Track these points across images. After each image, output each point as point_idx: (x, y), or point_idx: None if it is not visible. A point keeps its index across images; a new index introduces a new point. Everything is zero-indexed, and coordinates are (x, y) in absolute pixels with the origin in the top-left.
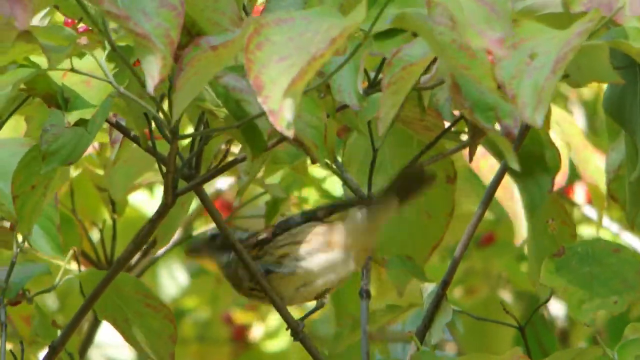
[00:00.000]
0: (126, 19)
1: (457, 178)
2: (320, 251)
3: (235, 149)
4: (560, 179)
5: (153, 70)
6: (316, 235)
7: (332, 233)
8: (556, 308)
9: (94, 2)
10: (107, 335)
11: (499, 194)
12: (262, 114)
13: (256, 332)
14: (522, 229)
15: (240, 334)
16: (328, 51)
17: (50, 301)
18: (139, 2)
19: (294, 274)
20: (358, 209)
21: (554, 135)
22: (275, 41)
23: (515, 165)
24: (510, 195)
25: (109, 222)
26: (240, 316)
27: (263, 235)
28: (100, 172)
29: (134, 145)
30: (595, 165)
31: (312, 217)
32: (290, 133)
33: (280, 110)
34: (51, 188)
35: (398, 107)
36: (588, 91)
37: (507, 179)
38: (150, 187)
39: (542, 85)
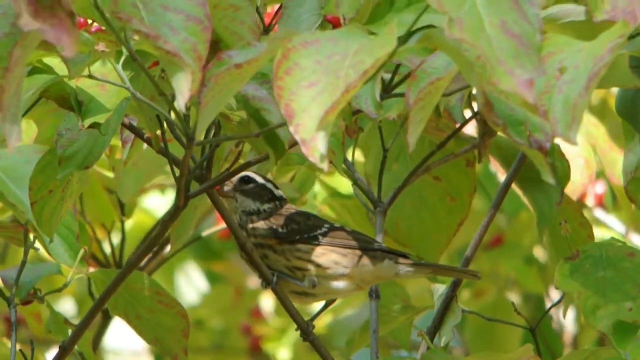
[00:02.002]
0: (155, 38)
1: (476, 162)
2: (338, 279)
3: (246, 149)
4: (587, 180)
5: (183, 87)
6: (337, 265)
7: (355, 268)
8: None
9: (123, 22)
10: (117, 338)
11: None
12: (283, 124)
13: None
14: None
15: (257, 345)
16: (360, 82)
17: (67, 306)
18: (165, 16)
19: (309, 289)
20: (394, 262)
21: (580, 142)
22: (303, 66)
23: (549, 179)
24: None
25: (118, 224)
26: (259, 327)
27: (284, 230)
28: (110, 174)
29: (144, 148)
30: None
31: (339, 227)
32: (324, 166)
33: (313, 140)
34: (69, 193)
35: (425, 121)
36: (594, 97)
37: None
38: (162, 189)
39: (575, 102)
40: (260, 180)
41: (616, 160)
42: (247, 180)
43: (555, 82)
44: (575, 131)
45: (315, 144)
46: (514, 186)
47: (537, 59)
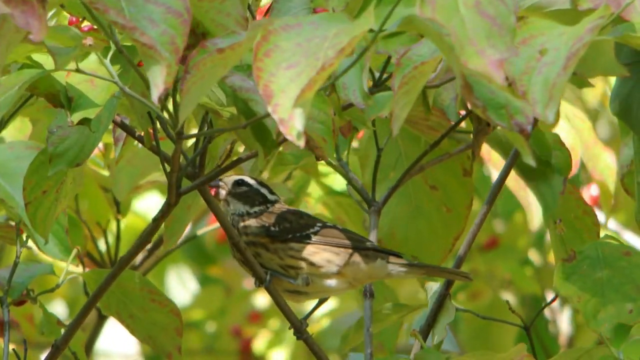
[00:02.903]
0: (132, 30)
1: (473, 171)
2: (331, 277)
3: (240, 148)
4: (573, 167)
5: (158, 80)
6: (330, 263)
7: (347, 267)
8: (560, 312)
9: (101, 12)
10: (108, 341)
11: (511, 184)
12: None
13: (260, 343)
14: (535, 217)
15: (248, 347)
16: (337, 60)
17: (59, 309)
18: (146, 9)
19: (302, 288)
20: (387, 262)
21: (565, 129)
22: (283, 48)
23: (530, 161)
24: (523, 185)
25: (113, 223)
26: (248, 329)
27: (276, 228)
28: (105, 173)
29: (138, 145)
30: (605, 162)
31: (331, 226)
32: (301, 143)
33: (290, 119)
34: (64, 193)
35: (410, 106)
36: (592, 97)
37: None
38: (161, 189)
39: (554, 82)
40: (254, 184)
41: (599, 155)
42: (240, 183)
43: (536, 64)
44: (552, 110)
45: (292, 123)
46: (509, 186)
47: (510, 39)
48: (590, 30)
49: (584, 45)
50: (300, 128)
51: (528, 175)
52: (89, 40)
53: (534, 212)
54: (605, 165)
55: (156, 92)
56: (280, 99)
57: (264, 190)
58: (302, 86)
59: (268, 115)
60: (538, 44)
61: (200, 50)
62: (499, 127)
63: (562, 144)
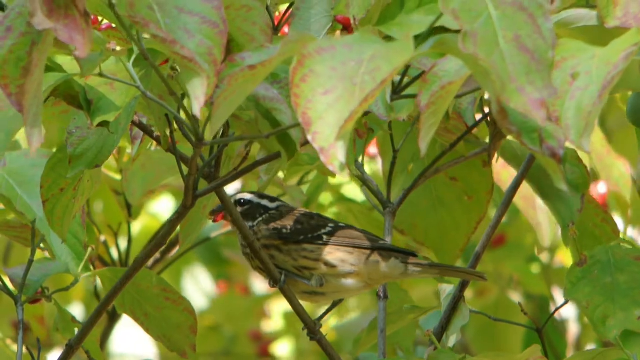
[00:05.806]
0: (172, 43)
1: (492, 162)
2: (346, 277)
3: (254, 149)
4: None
5: (198, 92)
6: (344, 263)
7: (362, 266)
8: (568, 311)
9: (139, 26)
10: (122, 343)
11: (520, 204)
12: (295, 125)
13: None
14: (545, 237)
15: (266, 350)
16: (378, 91)
17: (75, 311)
18: (181, 19)
19: (317, 288)
20: (401, 261)
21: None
22: (318, 72)
23: (563, 187)
24: (532, 204)
25: (125, 226)
26: (266, 328)
27: (288, 230)
28: (117, 176)
29: (152, 149)
30: (620, 171)
31: (344, 226)
32: (344, 175)
33: (331, 149)
34: (81, 191)
35: (437, 125)
36: None
37: (528, 189)
38: (174, 192)
39: (589, 110)
40: (253, 198)
41: (612, 165)
42: (241, 203)
43: (568, 88)
44: (587, 138)
45: (334, 152)
46: (518, 205)
47: (548, 76)
48: (625, 58)
49: (619, 73)
50: (342, 160)
51: (544, 191)
52: (112, 45)
53: (544, 232)
54: (620, 174)
55: (197, 105)
56: (319, 126)
57: (264, 202)
58: (341, 114)
59: (293, 126)
60: (569, 67)
61: (230, 64)
62: (510, 138)
63: (580, 160)
